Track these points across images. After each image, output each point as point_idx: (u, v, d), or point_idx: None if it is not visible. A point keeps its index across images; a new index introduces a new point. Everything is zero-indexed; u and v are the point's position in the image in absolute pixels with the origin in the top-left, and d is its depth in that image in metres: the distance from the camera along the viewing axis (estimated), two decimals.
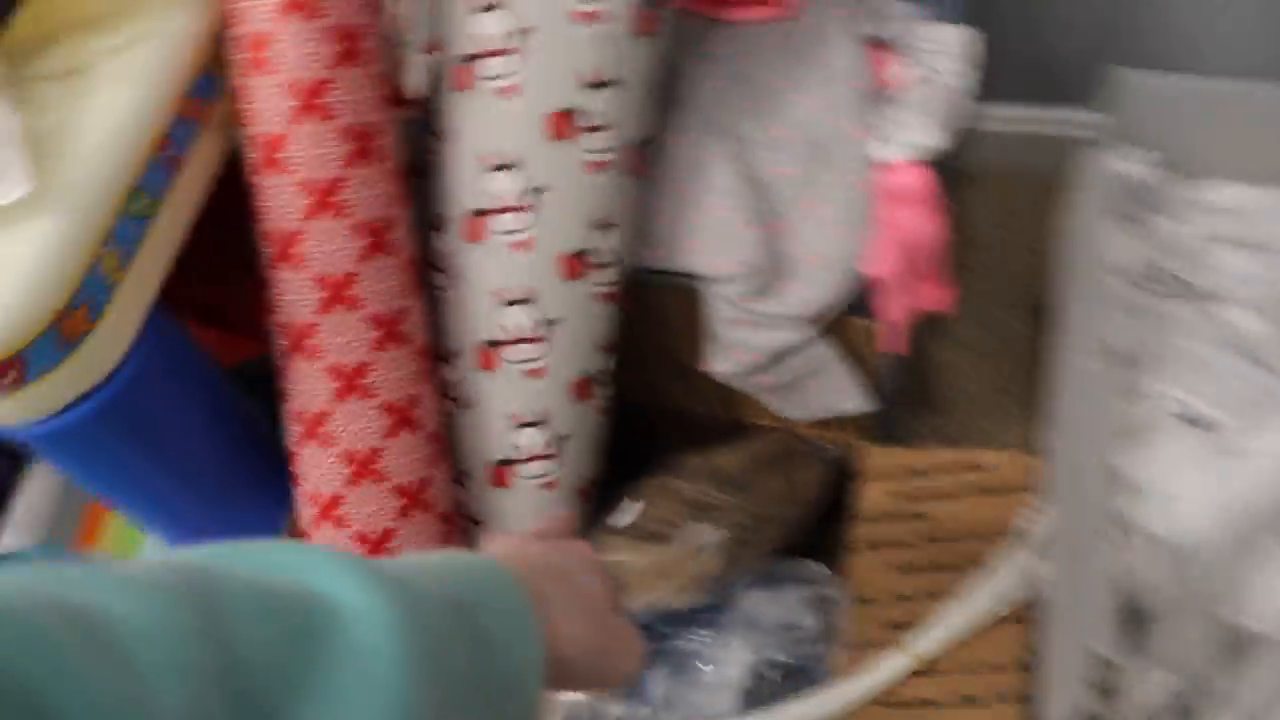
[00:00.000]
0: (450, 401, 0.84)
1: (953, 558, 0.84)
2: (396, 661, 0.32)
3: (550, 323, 0.78)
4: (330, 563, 0.34)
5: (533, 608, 0.40)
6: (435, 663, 0.34)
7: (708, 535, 0.80)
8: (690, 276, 0.85)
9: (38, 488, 1.29)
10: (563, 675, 0.43)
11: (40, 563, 0.31)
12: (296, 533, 0.83)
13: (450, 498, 0.83)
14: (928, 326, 1.24)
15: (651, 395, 1.01)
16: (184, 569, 0.31)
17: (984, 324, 1.25)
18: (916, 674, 0.80)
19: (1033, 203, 1.32)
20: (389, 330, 0.74)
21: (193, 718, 0.27)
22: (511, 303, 0.77)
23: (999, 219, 1.36)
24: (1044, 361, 1.15)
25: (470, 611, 0.37)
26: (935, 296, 0.91)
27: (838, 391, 0.88)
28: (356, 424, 0.74)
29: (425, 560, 0.40)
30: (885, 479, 0.89)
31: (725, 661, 0.78)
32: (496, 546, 0.46)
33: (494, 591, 0.40)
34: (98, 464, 0.73)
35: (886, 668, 0.79)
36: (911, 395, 1.18)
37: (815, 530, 0.93)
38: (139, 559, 0.35)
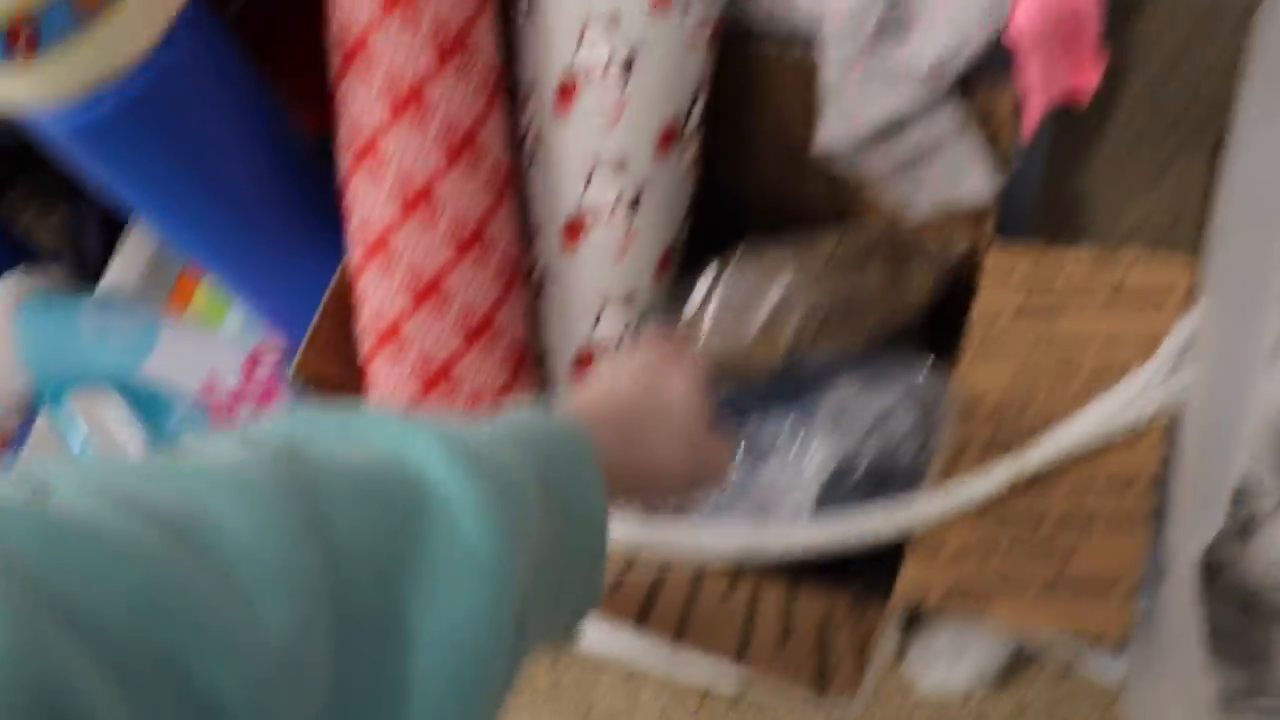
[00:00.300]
0: (521, 148, 0.76)
1: (1078, 368, 0.73)
2: (493, 549, 0.31)
3: (630, 61, 0.69)
4: (422, 439, 0.33)
5: (604, 480, 0.40)
6: (524, 546, 0.33)
7: (793, 311, 0.71)
8: (800, 39, 0.74)
9: (132, 253, 1.28)
10: (648, 502, 0.46)
11: (127, 454, 0.29)
12: (346, 276, 0.77)
13: (514, 238, 0.76)
14: (1076, 148, 1.11)
15: (749, 185, 0.91)
16: (277, 453, 0.29)
17: (1144, 157, 1.12)
18: (1023, 487, 0.71)
19: (1216, 30, 1.16)
20: (454, 44, 0.66)
21: (299, 630, 0.26)
22: (589, 30, 0.68)
23: (1176, 46, 1.20)
24: (1205, 202, 1.02)
25: (552, 488, 0.37)
26: (1083, 78, 0.78)
27: (962, 174, 0.77)
28: (411, 149, 0.67)
29: (506, 428, 0.38)
30: (1009, 280, 0.78)
31: (807, 451, 0.70)
32: (595, 382, 0.48)
33: (572, 461, 0.39)
34: (129, 170, 0.67)
35: (990, 478, 0.71)
36: (1047, 217, 1.06)
37: (925, 331, 0.83)
38: (226, 436, 0.32)
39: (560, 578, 0.37)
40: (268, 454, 0.29)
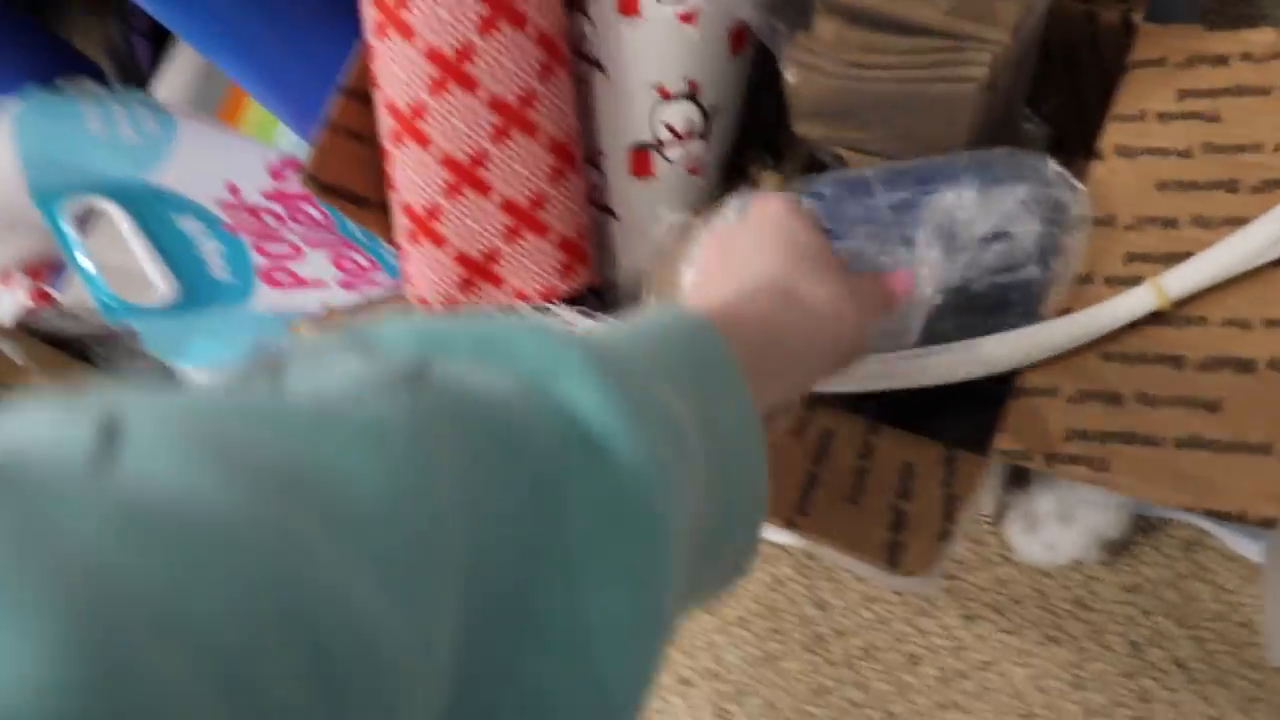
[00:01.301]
0: None
1: (1241, 174, 0.59)
2: (662, 519, 0.26)
3: None
4: (572, 365, 0.26)
5: (755, 405, 0.33)
6: (687, 509, 0.28)
7: None
8: None
9: (180, 65, 1.19)
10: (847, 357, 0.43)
11: (228, 381, 0.23)
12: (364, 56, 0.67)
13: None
14: None
15: None
16: (407, 375, 0.23)
17: None
18: (1162, 320, 0.58)
19: None
20: None
21: (428, 627, 0.20)
22: None
23: None
24: None
25: (708, 428, 0.31)
26: None
27: None
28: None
29: (652, 348, 0.32)
30: (1162, 66, 0.63)
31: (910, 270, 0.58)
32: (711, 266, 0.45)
33: (725, 391, 0.33)
34: None
35: (1123, 305, 0.58)
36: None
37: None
38: (335, 343, 0.25)
39: (716, 534, 0.31)
40: (396, 377, 0.23)
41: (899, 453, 0.60)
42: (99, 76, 1.19)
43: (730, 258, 0.44)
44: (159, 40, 1.23)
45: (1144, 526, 0.77)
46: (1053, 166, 0.60)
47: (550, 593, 0.23)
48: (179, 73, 1.17)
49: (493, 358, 0.27)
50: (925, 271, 0.58)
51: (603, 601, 0.24)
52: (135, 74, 1.23)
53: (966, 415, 0.66)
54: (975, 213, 0.58)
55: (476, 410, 0.24)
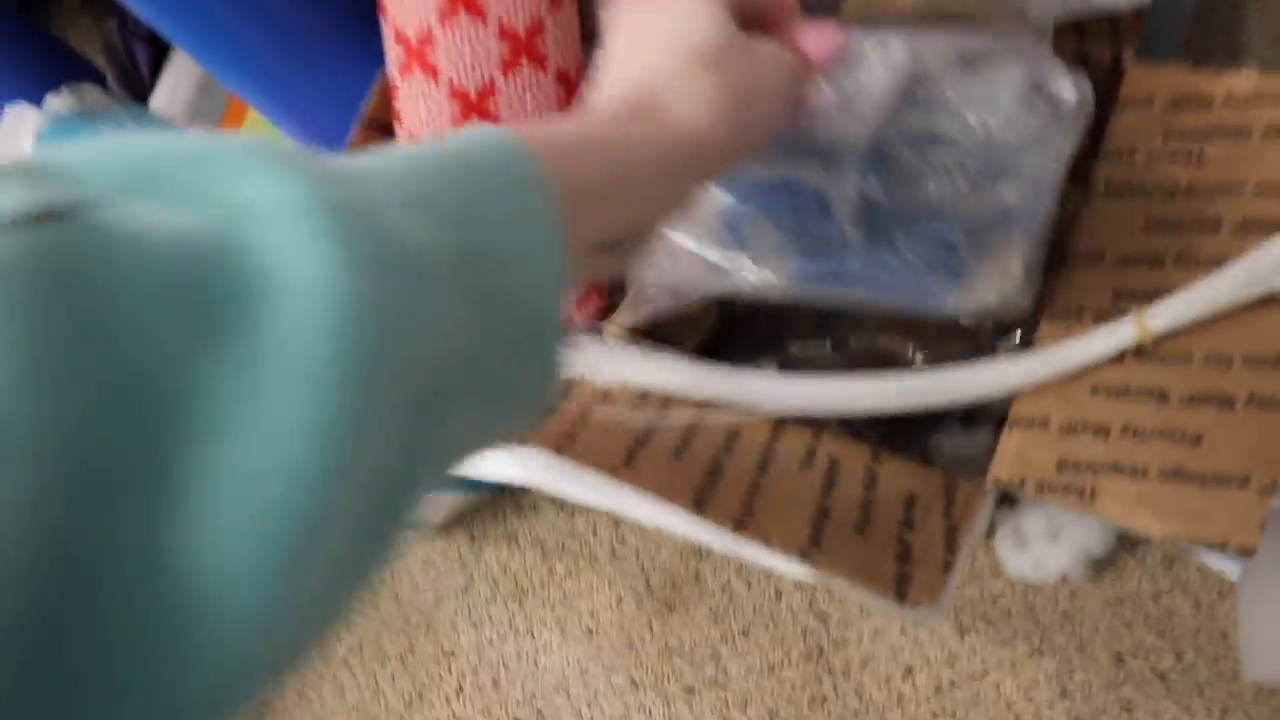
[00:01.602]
0: None
1: (1224, 215, 0.62)
2: (344, 354, 0.23)
3: None
4: (275, 187, 0.24)
5: (566, 237, 0.31)
6: (419, 343, 0.25)
7: None
8: None
9: (181, 72, 1.20)
10: (716, 168, 0.38)
11: None
12: (386, 86, 0.68)
13: None
14: None
15: None
16: (28, 231, 0.20)
17: None
18: (1147, 356, 0.61)
19: None
20: None
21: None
22: None
23: None
24: None
25: (478, 258, 0.28)
26: None
27: None
28: None
29: (419, 173, 0.29)
30: (1150, 106, 0.66)
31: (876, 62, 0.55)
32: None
33: (519, 214, 0.30)
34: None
35: (1108, 339, 0.60)
36: (1202, 31, 0.92)
37: None
38: (11, 172, 0.22)
39: (491, 370, 0.29)
40: (23, 216, 0.20)
41: (901, 481, 0.63)
42: (99, 80, 1.20)
43: (624, 51, 0.41)
44: (159, 44, 1.23)
45: (1127, 543, 0.81)
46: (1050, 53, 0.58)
47: (191, 456, 0.21)
48: (180, 80, 1.18)
49: (190, 190, 0.24)
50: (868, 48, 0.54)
51: (262, 460, 0.21)
52: (135, 79, 1.24)
53: (964, 438, 0.69)
54: (943, 43, 0.56)
55: (115, 255, 0.21)
